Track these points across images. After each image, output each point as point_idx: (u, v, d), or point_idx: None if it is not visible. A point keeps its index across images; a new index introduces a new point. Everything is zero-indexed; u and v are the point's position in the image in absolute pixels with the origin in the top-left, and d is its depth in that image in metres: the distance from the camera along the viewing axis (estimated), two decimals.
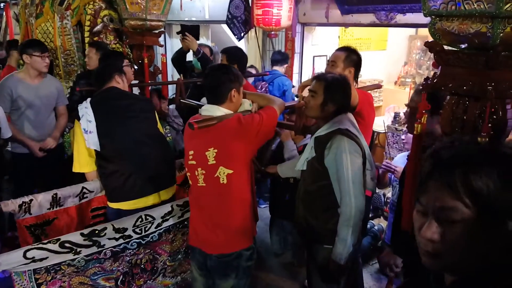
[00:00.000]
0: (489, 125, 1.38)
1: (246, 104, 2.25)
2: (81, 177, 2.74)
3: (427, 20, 1.53)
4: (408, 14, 4.09)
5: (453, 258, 0.85)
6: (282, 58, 4.91)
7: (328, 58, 5.88)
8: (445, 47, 1.49)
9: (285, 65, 4.94)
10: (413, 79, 6.65)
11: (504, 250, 0.84)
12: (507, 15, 1.24)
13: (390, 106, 5.85)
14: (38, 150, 3.49)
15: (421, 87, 2.05)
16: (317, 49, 5.72)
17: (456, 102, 1.51)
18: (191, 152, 2.18)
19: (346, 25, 5.11)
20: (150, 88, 3.73)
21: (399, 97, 6.00)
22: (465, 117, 1.47)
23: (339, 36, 6.08)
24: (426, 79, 1.61)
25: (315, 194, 2.22)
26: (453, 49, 1.46)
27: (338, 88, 2.16)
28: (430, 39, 1.54)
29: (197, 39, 3.76)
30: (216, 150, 2.06)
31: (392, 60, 7.00)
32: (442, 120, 1.60)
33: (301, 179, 2.35)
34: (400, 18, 4.17)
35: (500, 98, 1.39)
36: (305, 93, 2.62)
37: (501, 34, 1.27)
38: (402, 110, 4.95)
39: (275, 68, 4.87)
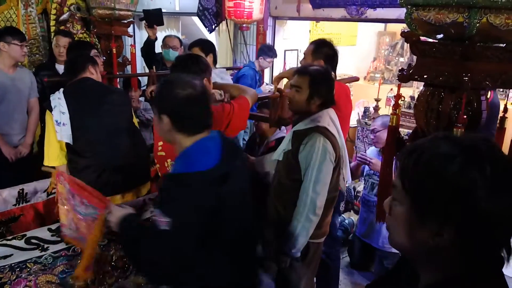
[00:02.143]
0: (465, 116, 1.40)
1: (217, 95, 2.22)
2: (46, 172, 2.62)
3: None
4: (379, 9, 4.12)
5: (396, 236, 0.88)
6: (264, 50, 4.74)
7: (299, 53, 5.94)
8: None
9: (260, 58, 4.69)
10: (382, 75, 6.76)
11: (464, 258, 0.82)
12: (483, 5, 1.26)
13: (360, 101, 5.93)
14: (12, 154, 3.26)
15: None
16: (288, 43, 5.71)
17: (431, 93, 1.52)
18: (160, 143, 2.11)
19: (317, 19, 5.12)
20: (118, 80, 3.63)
21: (368, 92, 6.08)
22: (440, 108, 1.49)
23: (310, 31, 6.10)
24: (402, 70, 1.62)
25: (288, 187, 2.22)
26: (429, 39, 1.47)
27: (322, 81, 2.15)
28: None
29: (162, 23, 3.68)
30: None
31: (361, 56, 7.08)
32: (416, 112, 1.62)
33: (276, 170, 2.34)
34: (370, 13, 4.21)
35: (475, 89, 1.41)
36: (281, 85, 2.61)
37: (477, 25, 1.28)
38: (372, 104, 5.02)
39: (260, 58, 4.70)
